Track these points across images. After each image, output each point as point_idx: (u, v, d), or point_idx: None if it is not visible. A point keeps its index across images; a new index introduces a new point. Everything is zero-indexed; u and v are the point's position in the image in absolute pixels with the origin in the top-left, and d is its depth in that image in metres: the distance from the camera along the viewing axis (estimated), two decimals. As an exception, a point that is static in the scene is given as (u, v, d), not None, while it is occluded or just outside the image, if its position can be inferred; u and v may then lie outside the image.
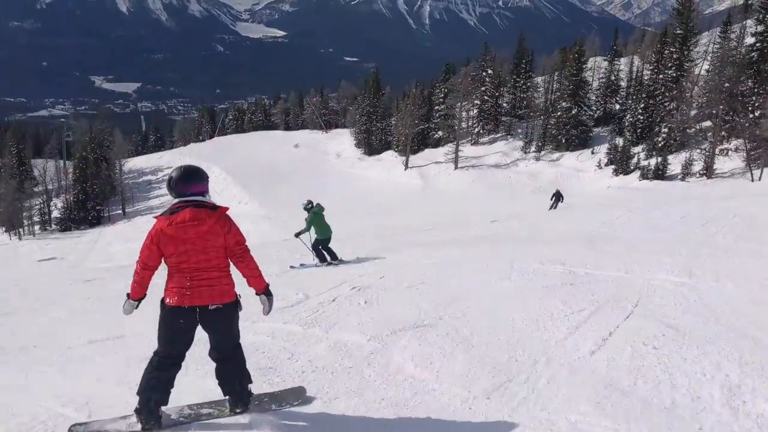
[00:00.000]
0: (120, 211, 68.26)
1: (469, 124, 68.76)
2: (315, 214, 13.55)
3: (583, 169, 53.91)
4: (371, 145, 73.31)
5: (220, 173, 69.96)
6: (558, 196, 34.95)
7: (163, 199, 69.86)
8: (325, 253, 13.70)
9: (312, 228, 13.61)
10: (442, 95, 68.91)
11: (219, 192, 67.28)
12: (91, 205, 66.59)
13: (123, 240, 60.57)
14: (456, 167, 60.51)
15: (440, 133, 70.09)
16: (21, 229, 67.72)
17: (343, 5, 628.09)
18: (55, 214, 68.57)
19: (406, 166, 64.18)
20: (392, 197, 56.12)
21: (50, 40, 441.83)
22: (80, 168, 68.08)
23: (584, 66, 60.60)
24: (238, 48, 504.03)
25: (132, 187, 72.37)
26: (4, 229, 68.64)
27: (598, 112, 62.34)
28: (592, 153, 55.43)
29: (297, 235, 14.16)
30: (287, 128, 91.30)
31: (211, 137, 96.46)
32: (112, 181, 69.98)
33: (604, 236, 14.47)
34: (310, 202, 13.95)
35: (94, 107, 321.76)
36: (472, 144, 65.97)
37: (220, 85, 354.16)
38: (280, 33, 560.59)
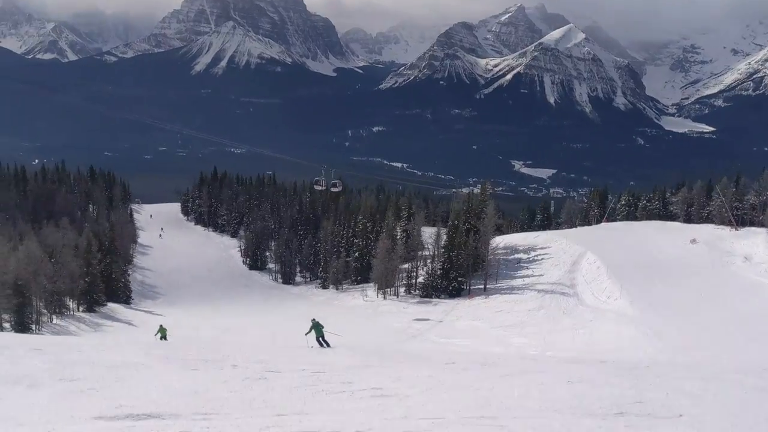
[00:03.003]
0: (481, 286, 64.24)
1: None
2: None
3: None
4: (798, 250, 55.85)
5: (595, 261, 61.43)
6: None
7: (527, 280, 63.69)
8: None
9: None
10: None
11: (588, 282, 58.45)
12: (453, 276, 63.95)
13: (471, 317, 56.10)
14: None
15: None
16: (388, 289, 68.90)
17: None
18: (421, 279, 68.01)
19: None
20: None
21: (482, 126, 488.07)
22: (450, 236, 66.44)
23: None
24: (659, 142, 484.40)
25: (501, 263, 67.92)
26: (377, 285, 70.85)
27: None
28: None
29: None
30: (687, 220, 77.56)
31: (598, 222, 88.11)
32: (478, 253, 66.37)
33: None
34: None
35: (511, 189, 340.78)
36: None
37: (635, 177, 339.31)
38: (708, 128, 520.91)
